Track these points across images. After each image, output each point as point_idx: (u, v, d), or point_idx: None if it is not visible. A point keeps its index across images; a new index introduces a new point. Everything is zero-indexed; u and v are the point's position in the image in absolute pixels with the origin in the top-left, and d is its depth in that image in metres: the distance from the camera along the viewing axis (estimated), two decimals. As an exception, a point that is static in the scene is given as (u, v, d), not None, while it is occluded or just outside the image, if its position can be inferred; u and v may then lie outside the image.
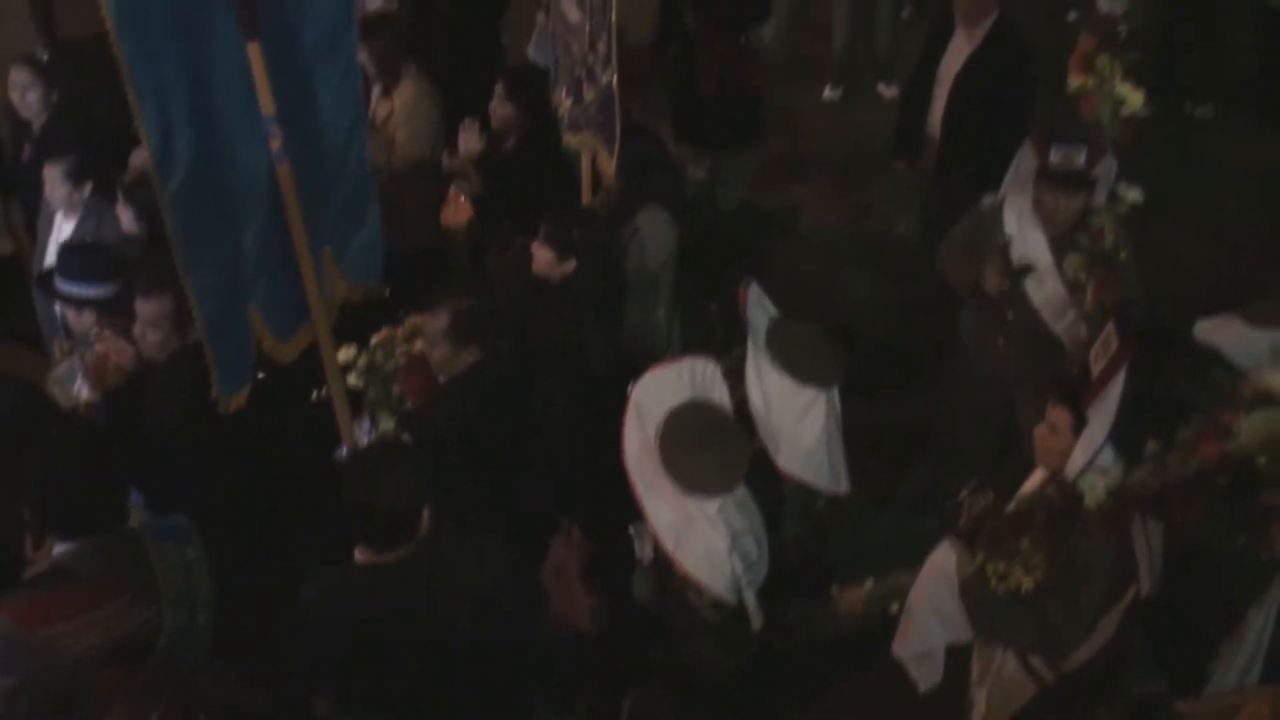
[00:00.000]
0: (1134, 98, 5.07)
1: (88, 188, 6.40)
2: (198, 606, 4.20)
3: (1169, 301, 7.35)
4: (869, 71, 10.18)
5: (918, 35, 8.04)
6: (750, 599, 4.53)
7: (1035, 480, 4.73)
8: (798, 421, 4.97)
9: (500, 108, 6.70)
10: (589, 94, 5.76)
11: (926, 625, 4.61)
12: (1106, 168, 5.40)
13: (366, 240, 4.93)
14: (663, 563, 4.61)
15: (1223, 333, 5.02)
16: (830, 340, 5.06)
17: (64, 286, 5.68)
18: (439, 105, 7.08)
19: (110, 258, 5.80)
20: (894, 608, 4.75)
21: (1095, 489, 4.30)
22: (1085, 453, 4.40)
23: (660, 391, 4.61)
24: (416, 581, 4.05)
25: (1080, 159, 5.37)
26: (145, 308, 5.25)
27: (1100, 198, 5.40)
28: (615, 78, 5.52)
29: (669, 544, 4.49)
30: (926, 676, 4.68)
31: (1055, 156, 5.41)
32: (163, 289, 5.13)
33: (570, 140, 6.03)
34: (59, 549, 4.02)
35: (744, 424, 4.81)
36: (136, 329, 5.31)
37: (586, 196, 6.14)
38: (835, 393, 5.04)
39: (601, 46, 5.56)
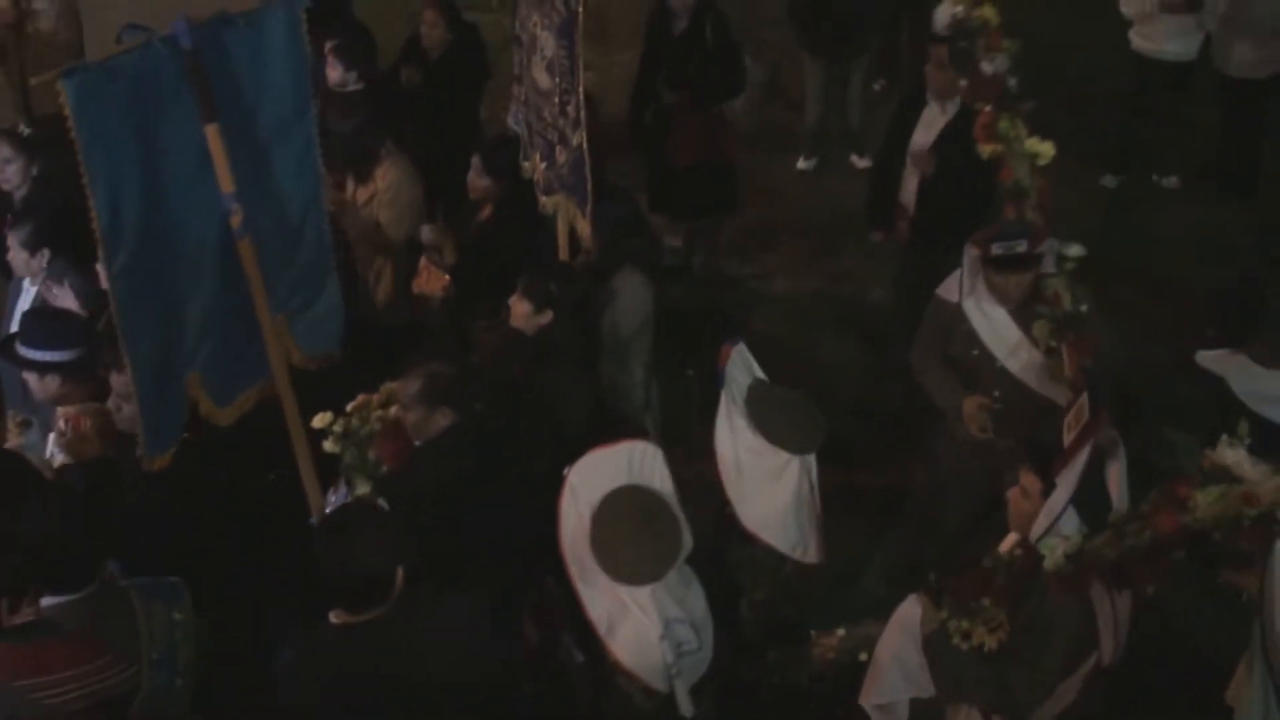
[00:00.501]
0: (1045, 149, 5.23)
1: (44, 255, 6.43)
2: (178, 671, 4.21)
3: (1135, 364, 7.48)
4: (841, 142, 10.36)
5: (889, 107, 8.17)
6: (681, 689, 4.46)
7: (1008, 543, 4.76)
8: (769, 483, 4.99)
9: (478, 179, 6.79)
10: (561, 157, 5.85)
11: (891, 677, 4.61)
12: (1050, 241, 5.45)
13: (324, 311, 5.03)
14: (596, 650, 4.59)
15: (1228, 364, 5.10)
16: (810, 407, 5.09)
17: (26, 352, 5.68)
18: (419, 184, 7.17)
19: (74, 323, 5.83)
20: (862, 656, 4.77)
21: (1055, 553, 4.35)
22: (1046, 517, 4.47)
23: (597, 475, 4.53)
24: (391, 642, 4.06)
25: (1022, 246, 5.41)
26: (118, 381, 5.28)
27: (1048, 265, 5.47)
28: (585, 139, 5.61)
29: (601, 629, 4.44)
30: None
31: (997, 250, 5.45)
32: None
33: (545, 203, 6.12)
34: (47, 602, 4.02)
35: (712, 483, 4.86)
36: (111, 401, 5.34)
37: (564, 258, 6.22)
38: (812, 459, 5.07)
39: (571, 110, 5.65)
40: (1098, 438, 4.55)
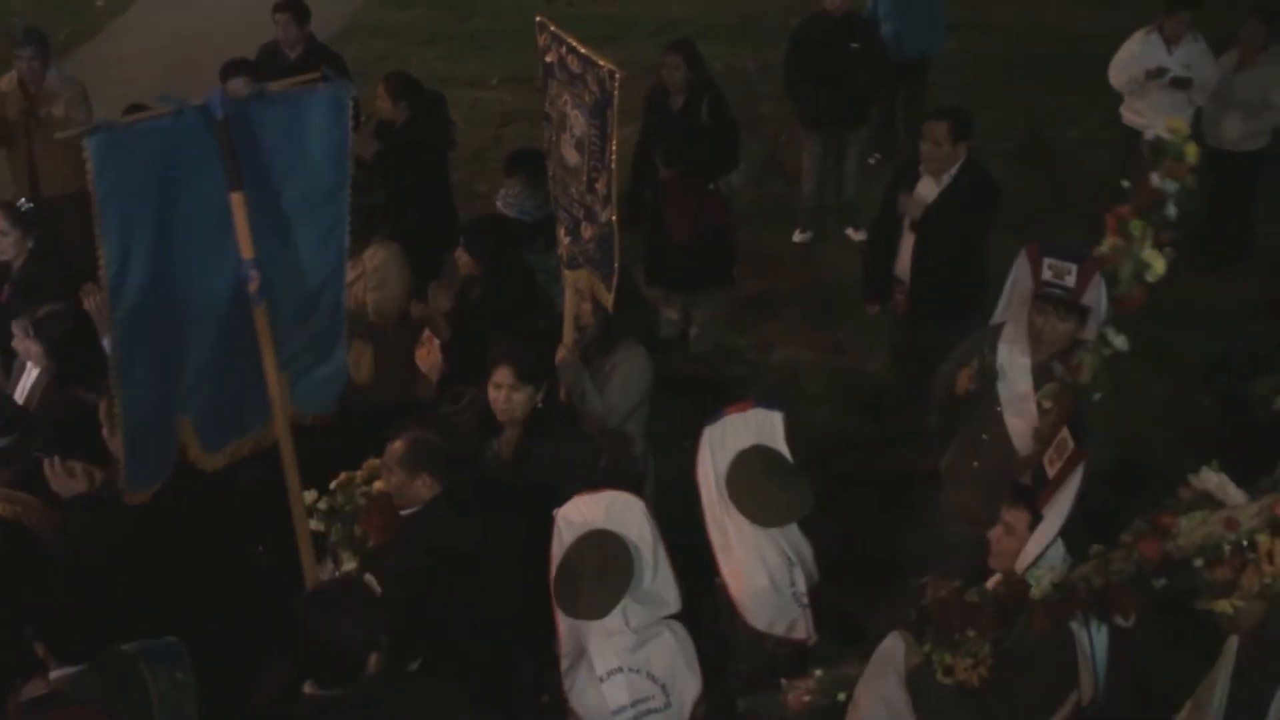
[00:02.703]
0: (1158, 264, 5.20)
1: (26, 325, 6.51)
2: None
3: (1125, 438, 7.52)
4: (837, 216, 10.47)
5: (884, 181, 8.28)
6: None
7: (992, 583, 4.81)
8: (745, 555, 5.06)
9: (463, 256, 6.87)
10: (587, 232, 5.89)
11: (873, 715, 4.62)
12: (1099, 304, 5.46)
13: (328, 374, 5.11)
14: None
15: None
16: (793, 482, 5.12)
17: None
18: (408, 265, 7.18)
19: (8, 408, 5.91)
20: (841, 697, 4.77)
21: (1042, 582, 4.40)
22: (1037, 546, 4.52)
23: (578, 519, 4.74)
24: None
25: (1070, 276, 5.43)
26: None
27: (1090, 332, 5.49)
28: (615, 216, 5.67)
29: (563, 665, 4.65)
30: None
31: (1046, 270, 5.49)
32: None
33: (568, 276, 6.16)
34: (56, 674, 4.12)
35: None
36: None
37: (568, 334, 6.25)
38: (790, 534, 5.13)
39: (600, 186, 5.70)
40: (1084, 465, 4.60)
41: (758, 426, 5.21)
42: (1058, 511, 4.53)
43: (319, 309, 5.04)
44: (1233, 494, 4.43)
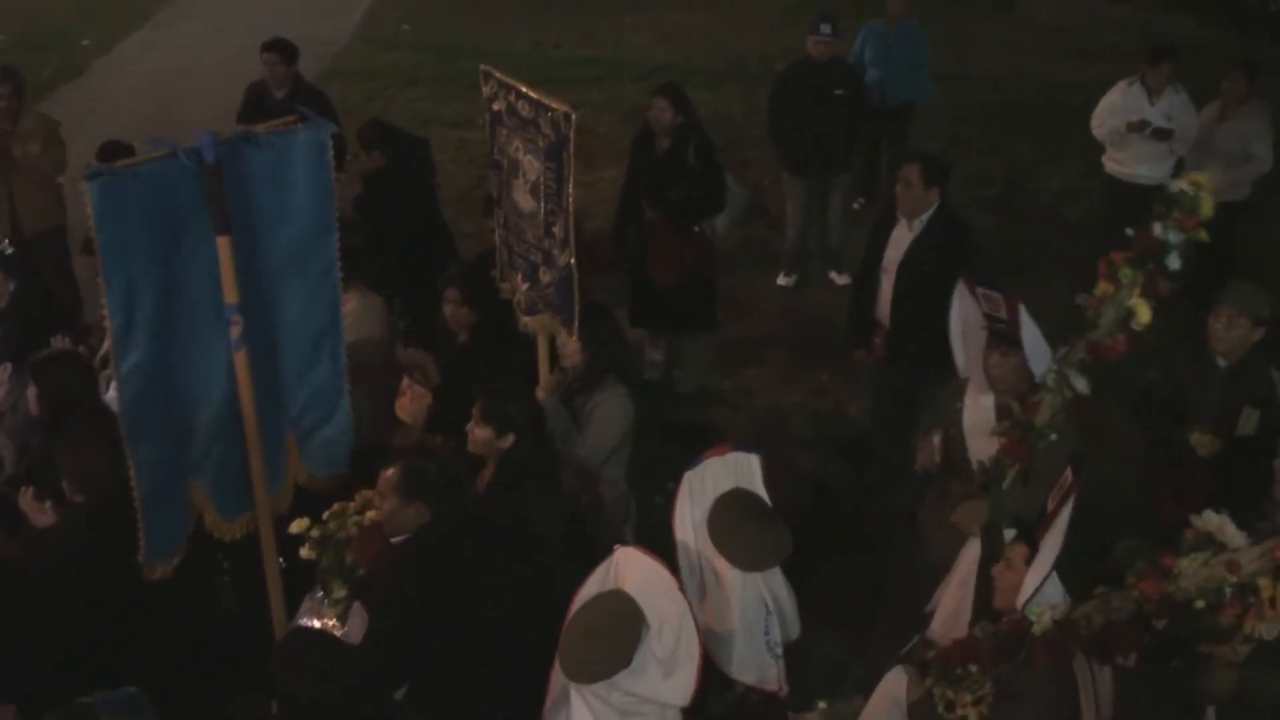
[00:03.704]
0: (1144, 312, 5.19)
1: (7, 368, 6.50)
2: None
3: (1106, 483, 7.53)
4: (821, 260, 10.52)
5: (868, 225, 8.31)
6: None
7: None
8: (718, 597, 5.03)
9: (458, 310, 6.85)
10: (545, 277, 5.90)
11: None
12: (1035, 338, 5.59)
13: (332, 435, 5.07)
14: None
15: None
16: (774, 527, 5.08)
17: None
18: (382, 319, 7.14)
19: None
20: None
21: (1042, 619, 4.40)
22: (1034, 579, 4.51)
23: (623, 573, 4.62)
24: None
25: (1000, 308, 5.59)
26: None
27: (1038, 372, 5.58)
28: (573, 259, 5.68)
29: (546, 704, 4.61)
30: None
31: (983, 301, 5.67)
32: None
33: (528, 323, 6.16)
34: None
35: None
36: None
37: (544, 377, 6.26)
38: (770, 580, 5.08)
39: (558, 230, 5.71)
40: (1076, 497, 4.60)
41: (736, 469, 5.19)
42: (1052, 543, 4.52)
43: (319, 363, 5.00)
44: (1232, 535, 4.44)
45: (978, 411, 5.92)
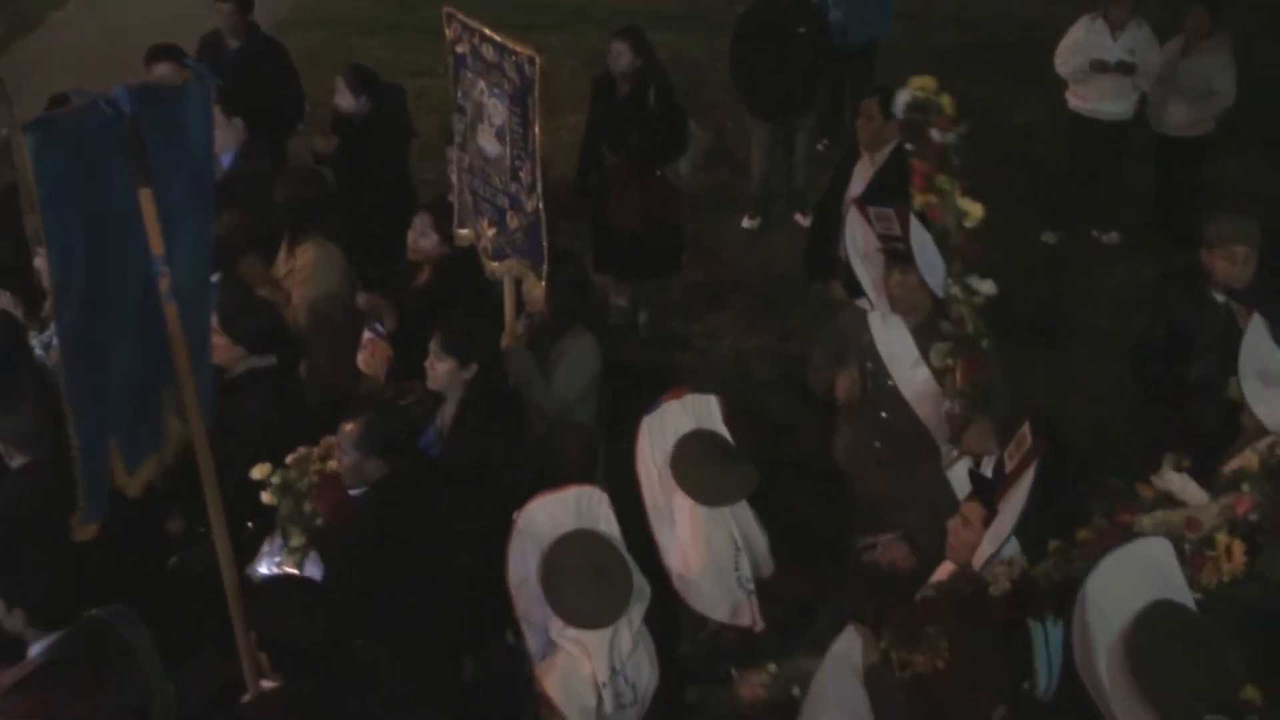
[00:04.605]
0: (974, 210, 5.52)
1: None
2: (165, 676, 4.51)
3: (1077, 424, 7.57)
4: (786, 202, 10.48)
5: (832, 166, 8.28)
6: None
7: (943, 572, 4.81)
8: (688, 535, 5.05)
9: (420, 239, 6.80)
10: (514, 222, 5.85)
11: (828, 712, 4.54)
12: (926, 248, 5.65)
13: (200, 386, 4.97)
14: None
15: None
16: (739, 463, 5.11)
17: None
18: (341, 270, 7.07)
19: None
20: (795, 691, 4.71)
21: (1000, 580, 4.39)
22: (992, 543, 4.51)
23: (546, 519, 4.60)
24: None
25: (893, 223, 5.64)
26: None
27: (933, 285, 5.68)
28: (541, 203, 5.64)
29: (536, 661, 4.55)
30: None
31: (877, 223, 5.72)
32: None
33: (495, 268, 6.12)
34: (36, 648, 4.31)
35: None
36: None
37: (510, 322, 6.22)
38: (740, 515, 5.12)
39: (525, 175, 5.66)
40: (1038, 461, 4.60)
41: (695, 411, 5.21)
42: (1012, 508, 4.51)
43: (195, 313, 4.92)
44: (1194, 494, 4.46)
45: (892, 337, 5.92)
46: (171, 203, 4.55)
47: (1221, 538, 4.43)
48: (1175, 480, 4.44)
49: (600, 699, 4.46)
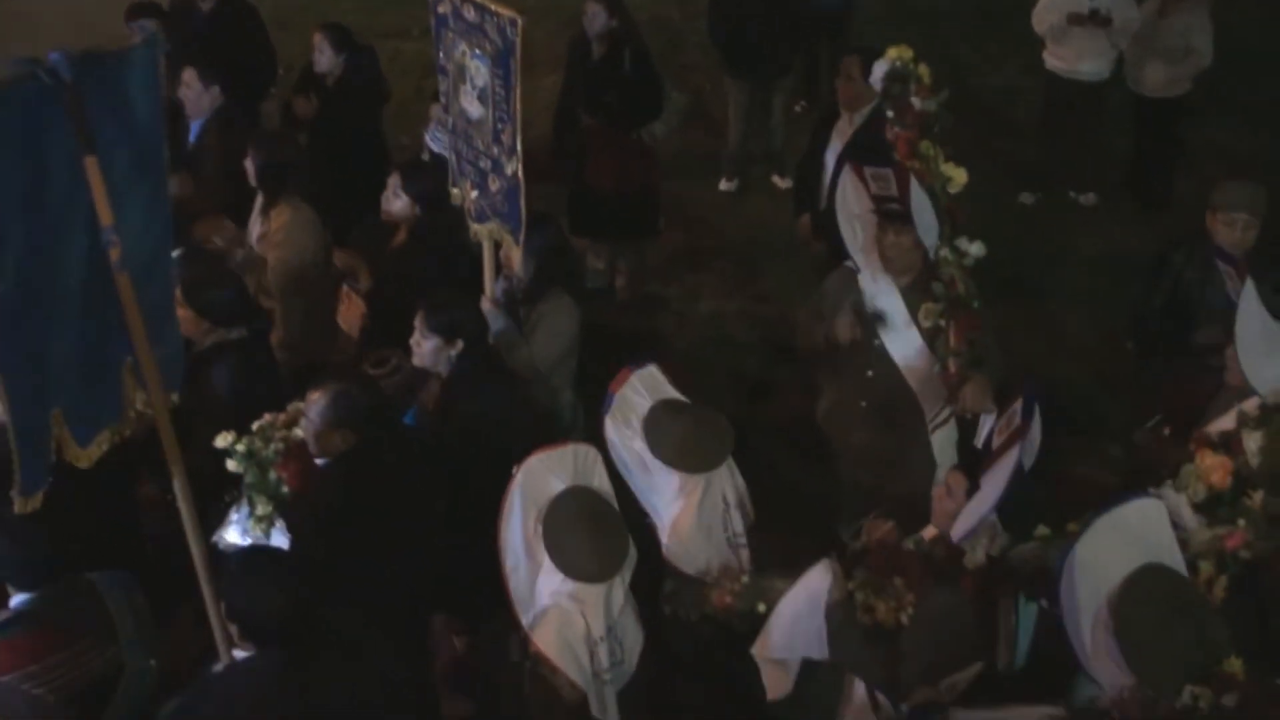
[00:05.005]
0: (958, 175, 5.58)
1: None
2: (150, 651, 4.46)
3: (1059, 382, 7.59)
4: (764, 164, 10.45)
5: (810, 128, 8.26)
6: (610, 694, 4.54)
7: (929, 533, 4.82)
8: (672, 504, 5.06)
9: (393, 199, 6.75)
10: (494, 184, 5.81)
11: (789, 636, 4.57)
12: (924, 209, 5.67)
13: (164, 357, 4.92)
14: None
15: None
16: (714, 425, 5.10)
17: None
18: (316, 232, 7.00)
19: None
20: (760, 608, 4.75)
21: (975, 552, 4.40)
22: (968, 519, 4.52)
23: (545, 474, 4.62)
24: (293, 684, 4.14)
25: (890, 183, 5.65)
26: None
27: (929, 245, 5.72)
28: (520, 167, 5.60)
29: (525, 620, 4.54)
30: (777, 685, 4.59)
31: (873, 182, 5.71)
32: None
33: (477, 230, 6.09)
34: (16, 600, 4.27)
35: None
36: None
37: (489, 285, 6.19)
38: (726, 478, 5.10)
39: (506, 138, 5.62)
40: (1022, 442, 4.59)
41: (647, 388, 5.20)
42: (993, 486, 4.51)
43: (152, 283, 4.86)
44: (1188, 518, 4.47)
45: (882, 297, 5.92)
46: (119, 171, 4.47)
47: (1205, 567, 4.44)
48: (1172, 499, 4.48)
49: (593, 656, 4.48)
